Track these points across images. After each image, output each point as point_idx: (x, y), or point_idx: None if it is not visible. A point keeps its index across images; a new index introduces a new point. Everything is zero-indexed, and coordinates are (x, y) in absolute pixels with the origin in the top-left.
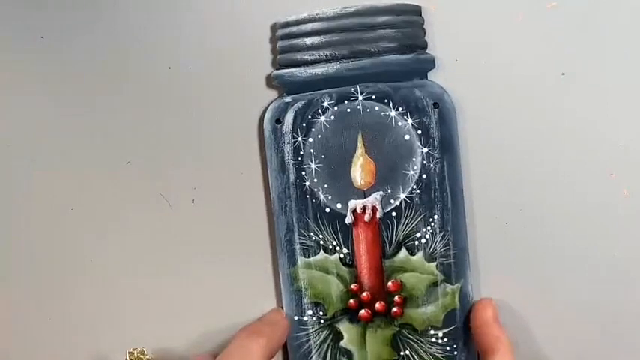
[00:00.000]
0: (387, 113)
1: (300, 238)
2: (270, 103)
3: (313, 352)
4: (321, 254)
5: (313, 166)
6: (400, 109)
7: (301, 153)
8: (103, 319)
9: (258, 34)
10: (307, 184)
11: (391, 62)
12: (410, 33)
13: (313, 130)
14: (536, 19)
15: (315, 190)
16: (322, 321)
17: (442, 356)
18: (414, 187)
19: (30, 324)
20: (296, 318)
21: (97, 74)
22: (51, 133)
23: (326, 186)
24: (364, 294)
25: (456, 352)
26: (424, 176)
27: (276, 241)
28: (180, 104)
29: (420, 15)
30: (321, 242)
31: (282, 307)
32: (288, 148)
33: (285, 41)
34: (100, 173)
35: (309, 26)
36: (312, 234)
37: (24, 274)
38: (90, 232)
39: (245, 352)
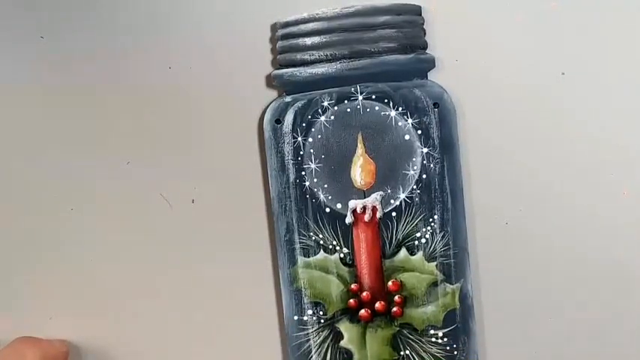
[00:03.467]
0: (387, 113)
1: (300, 238)
2: (270, 103)
3: (313, 352)
4: (321, 254)
5: (313, 166)
6: (400, 109)
7: (301, 153)
8: (101, 318)
9: (258, 34)
10: (307, 184)
11: (391, 62)
12: (410, 33)
13: (313, 130)
14: (536, 19)
15: (315, 190)
16: (322, 321)
17: (442, 356)
18: (414, 187)
19: (30, 324)
20: (296, 318)
21: (97, 74)
22: (51, 133)
23: (326, 186)
24: (364, 294)
25: (456, 352)
26: (424, 176)
27: (276, 241)
28: (180, 104)
29: (420, 15)
30: (321, 242)
31: (282, 307)
32: (288, 148)
33: (285, 41)
34: (100, 173)
35: (309, 26)
36: (312, 234)
37: (24, 274)
38: (90, 232)
39: (18, 356)
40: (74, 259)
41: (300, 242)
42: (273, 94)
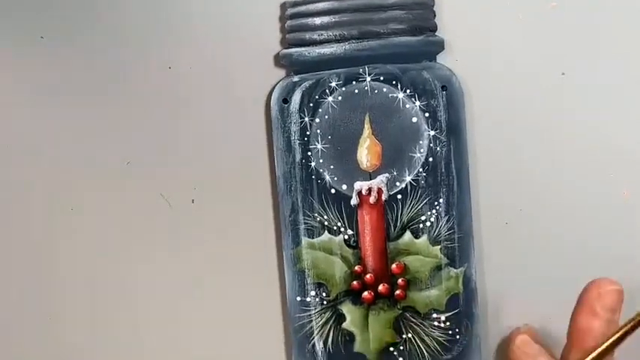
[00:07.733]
0: (395, 95)
1: (304, 219)
2: (278, 82)
3: (315, 333)
4: (326, 235)
5: (319, 146)
6: (408, 91)
7: (308, 133)
8: (102, 319)
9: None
10: (313, 164)
11: (400, 44)
12: (420, 15)
13: (320, 110)
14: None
15: (321, 170)
16: (325, 302)
17: (444, 340)
18: (420, 169)
19: (30, 324)
20: (298, 299)
21: (97, 74)
22: (51, 133)
23: (332, 167)
24: (368, 276)
25: (458, 337)
26: (430, 159)
27: (280, 221)
28: (179, 104)
29: None
30: (326, 223)
31: (285, 288)
32: (294, 128)
33: (294, 20)
34: (100, 173)
35: (319, 6)
36: (316, 215)
37: (24, 274)
38: (90, 232)
39: None
40: (74, 259)
41: (304, 223)
42: (281, 73)
